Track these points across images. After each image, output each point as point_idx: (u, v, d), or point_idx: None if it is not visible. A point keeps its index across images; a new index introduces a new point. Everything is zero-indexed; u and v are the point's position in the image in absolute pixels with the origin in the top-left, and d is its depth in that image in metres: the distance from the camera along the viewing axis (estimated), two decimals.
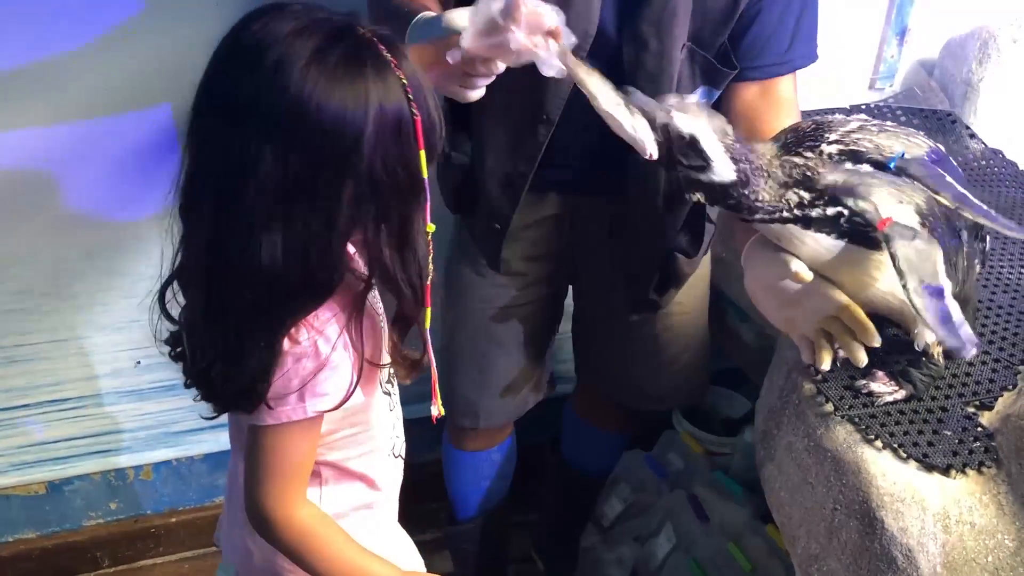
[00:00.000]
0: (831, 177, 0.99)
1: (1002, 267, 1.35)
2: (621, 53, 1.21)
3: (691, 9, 1.19)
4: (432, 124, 0.87)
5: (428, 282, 0.94)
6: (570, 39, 0.94)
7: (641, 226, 1.39)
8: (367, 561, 1.01)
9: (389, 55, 0.84)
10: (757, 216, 1.02)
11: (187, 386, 0.95)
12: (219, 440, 1.88)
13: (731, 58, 1.24)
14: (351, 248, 0.94)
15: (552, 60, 0.94)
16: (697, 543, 1.71)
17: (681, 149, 0.99)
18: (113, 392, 1.81)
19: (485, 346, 1.52)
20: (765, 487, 1.18)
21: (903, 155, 1.01)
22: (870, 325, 1.00)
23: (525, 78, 1.22)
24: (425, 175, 0.87)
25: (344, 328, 0.93)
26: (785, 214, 1.01)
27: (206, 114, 0.85)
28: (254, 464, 0.96)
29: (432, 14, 1.04)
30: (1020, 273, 1.34)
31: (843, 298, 1.02)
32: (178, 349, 0.96)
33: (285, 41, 0.81)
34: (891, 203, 0.96)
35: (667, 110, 0.99)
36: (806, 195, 1.00)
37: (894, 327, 1.10)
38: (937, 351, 1.07)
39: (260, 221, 0.82)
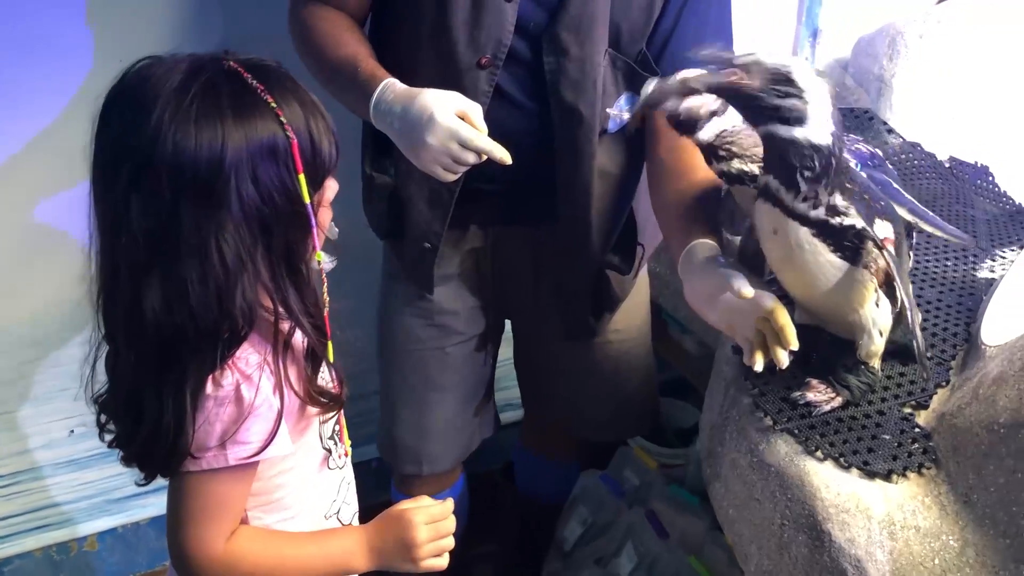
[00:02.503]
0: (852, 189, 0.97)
1: (927, 261, 1.36)
2: (541, 61, 1.20)
3: (609, 15, 1.19)
4: (316, 147, 0.87)
5: (326, 311, 0.93)
6: None
7: (571, 250, 1.38)
8: (315, 548, 0.99)
9: (256, 82, 0.84)
10: (801, 206, 0.95)
11: (111, 446, 0.93)
12: (164, 502, 1.82)
13: (651, 64, 1.24)
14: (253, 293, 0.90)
15: None
16: (659, 560, 1.70)
17: (772, 89, 0.90)
18: (49, 464, 1.75)
19: (423, 390, 1.49)
20: (715, 505, 1.18)
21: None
22: (790, 330, 1.00)
23: (445, 87, 1.21)
24: (307, 199, 0.86)
25: (273, 371, 0.90)
26: (822, 213, 0.95)
27: (93, 170, 0.85)
28: (175, 508, 0.93)
29: None
30: (945, 267, 1.36)
31: (769, 303, 1.02)
32: (103, 415, 0.94)
33: (149, 84, 0.81)
34: (881, 222, 0.97)
35: (747, 55, 0.91)
36: (840, 202, 0.96)
37: (827, 334, 1.11)
38: (877, 360, 1.07)
39: (139, 270, 0.82)
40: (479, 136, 1.06)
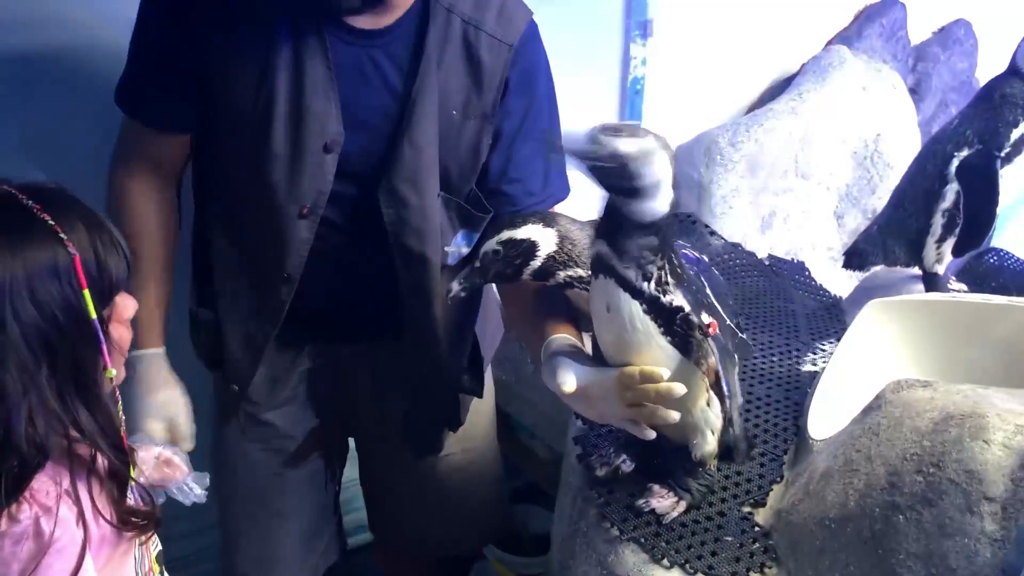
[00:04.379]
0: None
1: (756, 359, 1.43)
2: (377, 212, 1.20)
3: (438, 160, 1.20)
4: (101, 263, 0.86)
5: (123, 431, 0.91)
6: None
7: (419, 376, 1.35)
8: None
9: (32, 202, 0.83)
10: (631, 274, 0.98)
11: None
12: None
13: (482, 201, 1.26)
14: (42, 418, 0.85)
15: None
16: None
17: (624, 170, 0.94)
18: None
19: (263, 518, 1.41)
20: None
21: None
22: (649, 369, 1.00)
23: (266, 235, 1.19)
24: (93, 315, 0.84)
25: (74, 500, 0.84)
26: (653, 288, 0.98)
27: None
28: None
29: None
30: (772, 362, 1.42)
31: (613, 372, 1.01)
32: None
33: None
34: (705, 314, 1.00)
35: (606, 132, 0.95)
36: (668, 279, 0.99)
37: (666, 440, 1.13)
38: (713, 461, 1.10)
39: None
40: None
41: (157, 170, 1.22)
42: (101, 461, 0.89)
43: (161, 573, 1.03)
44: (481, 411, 1.49)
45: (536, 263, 1.13)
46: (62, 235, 0.82)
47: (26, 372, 0.80)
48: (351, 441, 1.54)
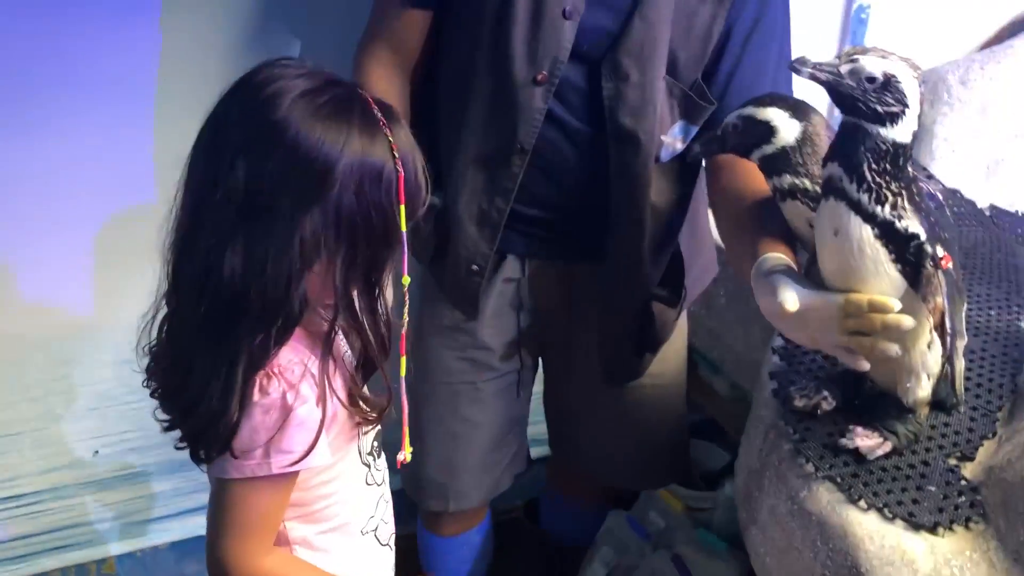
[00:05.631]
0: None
1: (970, 311, 1.34)
2: (599, 85, 1.20)
3: (668, 41, 1.19)
4: (417, 188, 0.93)
5: (404, 331, 0.98)
6: None
7: (618, 285, 1.36)
8: None
9: (381, 115, 0.90)
10: (865, 198, 0.94)
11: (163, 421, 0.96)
12: (185, 527, 1.81)
13: (707, 93, 1.24)
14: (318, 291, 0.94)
15: None
16: None
17: (875, 93, 0.92)
18: (72, 484, 1.73)
19: (454, 425, 1.46)
20: (750, 551, 1.15)
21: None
22: (880, 299, 0.95)
23: (499, 106, 1.22)
24: (404, 228, 0.91)
25: (317, 382, 0.93)
26: (888, 213, 0.94)
27: (199, 139, 0.90)
28: (217, 517, 0.96)
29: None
30: (989, 316, 1.34)
31: (839, 298, 0.97)
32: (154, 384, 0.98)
33: (286, 79, 0.88)
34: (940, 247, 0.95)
35: (848, 57, 0.93)
36: (906, 205, 0.95)
37: (870, 381, 1.09)
38: (925, 409, 1.05)
39: (225, 231, 0.86)
40: None
41: (396, 54, 1.28)
42: (344, 349, 0.97)
43: (380, 454, 1.10)
44: (674, 345, 1.49)
45: (769, 149, 1.10)
46: (396, 154, 0.89)
47: (326, 247, 0.87)
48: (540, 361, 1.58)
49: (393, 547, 1.15)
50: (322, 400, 0.93)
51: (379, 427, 1.08)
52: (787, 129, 1.10)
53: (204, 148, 0.90)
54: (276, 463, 0.91)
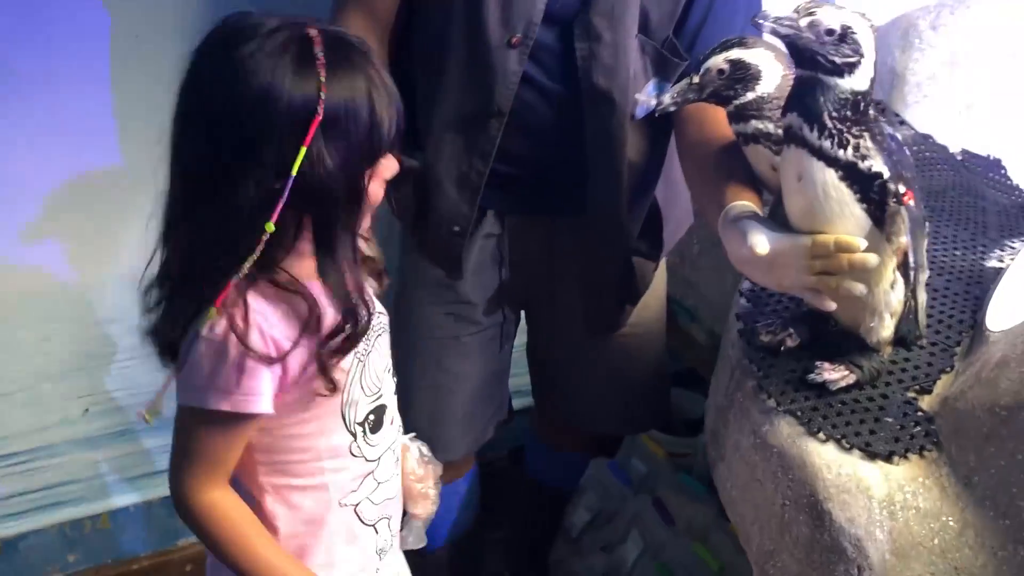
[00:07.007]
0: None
1: (936, 250, 1.37)
2: (567, 47, 1.22)
3: (640, 0, 1.20)
4: (375, 121, 0.92)
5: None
6: None
7: (598, 240, 1.38)
8: (281, 560, 1.00)
9: (322, 54, 0.89)
10: (826, 144, 0.95)
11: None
12: None
13: (679, 50, 1.25)
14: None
15: None
16: (664, 547, 1.71)
17: (829, 46, 0.93)
18: (64, 442, 1.77)
19: (438, 377, 1.49)
20: (718, 486, 1.19)
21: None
22: (846, 239, 0.97)
23: (476, 70, 1.23)
24: (294, 171, 0.90)
25: (271, 336, 0.93)
26: (850, 155, 0.96)
27: (177, 107, 0.93)
28: (173, 440, 0.99)
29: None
30: (954, 255, 1.36)
31: (806, 239, 0.99)
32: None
33: (247, 36, 0.89)
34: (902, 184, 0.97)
35: (806, 11, 0.94)
36: (868, 144, 0.96)
37: (834, 322, 1.11)
38: (887, 348, 1.08)
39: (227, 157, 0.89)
40: None
41: (370, 19, 1.28)
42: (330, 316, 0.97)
43: (376, 430, 1.09)
44: (654, 294, 1.51)
45: (750, 96, 1.09)
46: (321, 94, 0.88)
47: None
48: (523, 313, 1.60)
49: (384, 534, 1.13)
50: (269, 353, 0.93)
51: (385, 404, 1.09)
52: (771, 74, 1.09)
53: (183, 116, 0.93)
54: (211, 400, 0.93)
